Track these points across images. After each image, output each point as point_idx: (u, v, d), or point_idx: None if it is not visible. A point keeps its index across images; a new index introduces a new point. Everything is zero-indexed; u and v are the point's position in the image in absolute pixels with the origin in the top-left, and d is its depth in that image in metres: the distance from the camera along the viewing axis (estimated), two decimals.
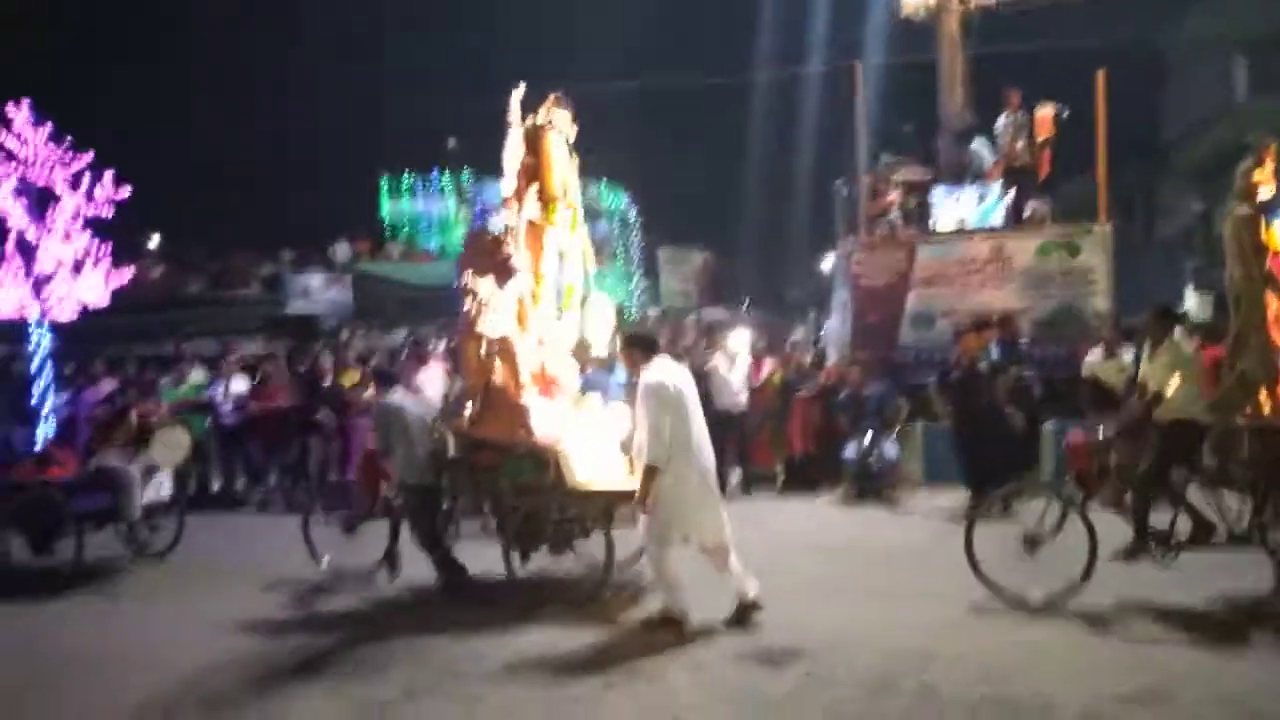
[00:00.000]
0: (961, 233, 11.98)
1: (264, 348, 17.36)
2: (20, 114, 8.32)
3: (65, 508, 7.71)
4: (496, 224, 7.32)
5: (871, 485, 10.04)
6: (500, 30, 25.95)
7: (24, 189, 8.39)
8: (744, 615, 5.85)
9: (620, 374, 10.39)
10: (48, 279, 8.51)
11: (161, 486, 8.31)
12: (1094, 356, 9.97)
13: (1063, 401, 9.70)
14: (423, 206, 26.27)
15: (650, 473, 5.73)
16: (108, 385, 11.59)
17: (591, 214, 29.68)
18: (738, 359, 10.79)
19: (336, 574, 7.45)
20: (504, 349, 6.82)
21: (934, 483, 10.07)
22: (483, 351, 6.82)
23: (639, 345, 6.17)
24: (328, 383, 11.36)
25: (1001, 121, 12.56)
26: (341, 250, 24.82)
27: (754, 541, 7.42)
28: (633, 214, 29.10)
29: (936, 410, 9.95)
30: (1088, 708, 4.48)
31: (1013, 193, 12.17)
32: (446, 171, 25.55)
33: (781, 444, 11.06)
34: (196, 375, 11.92)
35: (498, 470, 6.73)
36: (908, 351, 11.73)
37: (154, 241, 26.28)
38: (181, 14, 28.59)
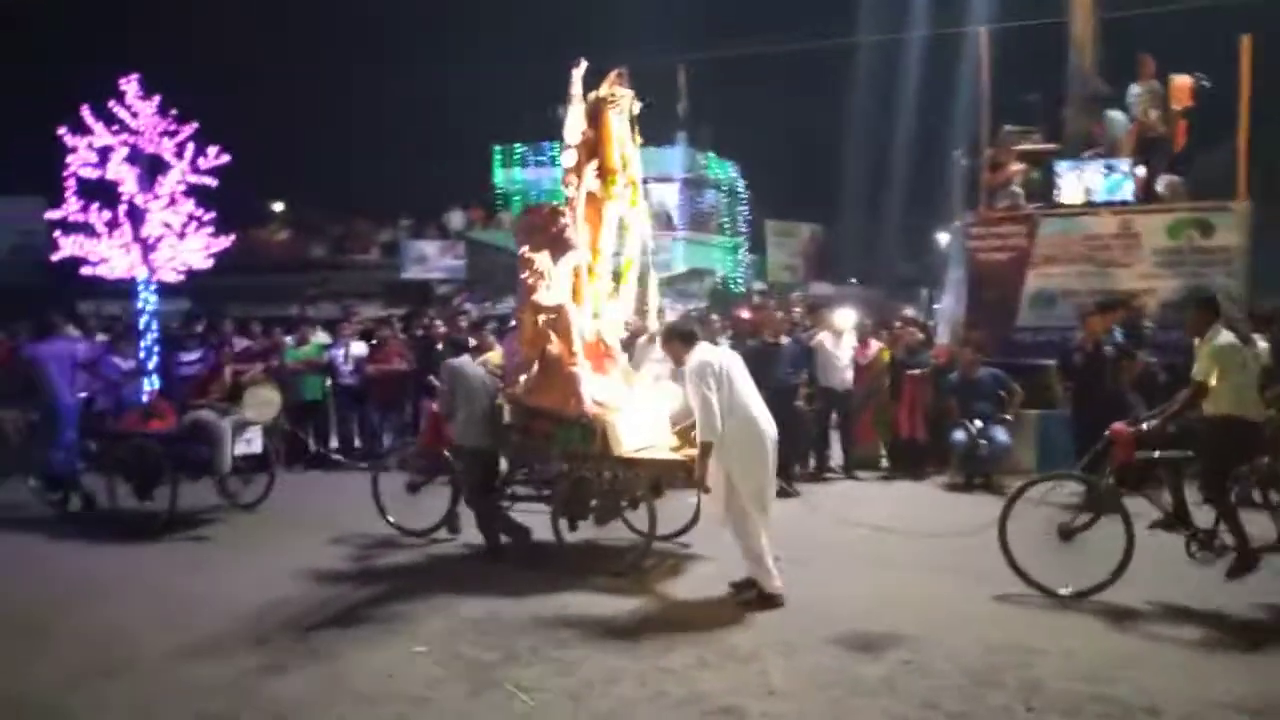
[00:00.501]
0: (1087, 208, 11.44)
1: (382, 311, 18.03)
2: (131, 87, 8.70)
3: (162, 458, 8.29)
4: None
5: (980, 471, 9.78)
6: (613, 3, 25.86)
7: (134, 157, 8.79)
8: (769, 601, 5.90)
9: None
10: (155, 243, 8.85)
11: (252, 441, 8.79)
12: None
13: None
14: (533, 175, 26.61)
15: (705, 449, 5.87)
16: (237, 345, 12.23)
17: (699, 184, 29.63)
18: (844, 336, 10.62)
19: (402, 531, 7.83)
20: (559, 320, 6.92)
21: (1048, 472, 9.70)
22: (539, 322, 6.94)
23: (679, 337, 6.29)
24: (441, 348, 11.68)
25: (1134, 90, 11.90)
26: (455, 218, 25.43)
27: (855, 525, 7.38)
28: (741, 185, 28.78)
29: (1056, 394, 9.58)
30: (1196, 714, 4.30)
31: (1143, 166, 11.55)
32: (557, 141, 25.78)
33: (887, 425, 10.86)
34: (320, 337, 12.46)
35: (550, 438, 6.90)
36: (1025, 332, 11.32)
37: (279, 207, 27.50)
38: None
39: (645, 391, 7.32)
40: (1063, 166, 11.71)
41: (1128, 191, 11.40)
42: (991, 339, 10.95)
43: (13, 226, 24.47)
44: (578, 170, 7.18)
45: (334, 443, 12.07)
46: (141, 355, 9.37)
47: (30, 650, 5.39)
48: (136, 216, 8.86)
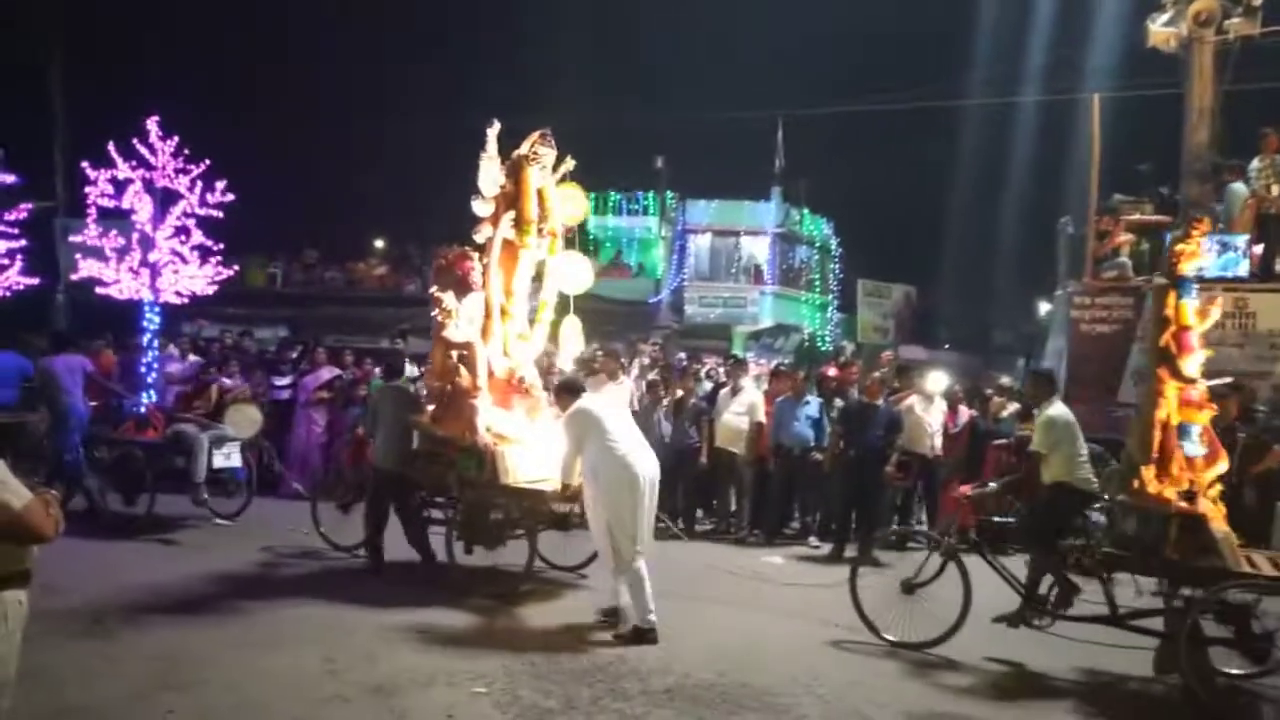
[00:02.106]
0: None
1: None
2: (152, 126, 9.71)
3: (146, 466, 8.95)
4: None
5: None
6: (714, 55, 26.20)
7: (150, 189, 9.65)
8: (638, 636, 6.19)
9: (812, 406, 10.16)
10: (160, 268, 9.77)
11: (230, 455, 9.33)
12: None
13: None
14: (627, 223, 26.84)
15: (563, 488, 6.77)
16: (327, 373, 12.49)
17: (791, 240, 29.37)
18: (934, 401, 10.29)
19: (331, 545, 8.34)
20: (467, 355, 7.52)
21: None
22: (448, 356, 7.57)
23: (566, 390, 6.87)
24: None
25: (1255, 165, 11.38)
26: None
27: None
28: (834, 243, 28.53)
29: None
30: None
31: (1260, 244, 10.99)
32: (651, 191, 26.03)
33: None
34: (408, 370, 12.63)
35: (451, 465, 7.43)
36: (1127, 409, 10.77)
37: (379, 242, 28.32)
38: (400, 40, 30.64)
39: (547, 428, 7.67)
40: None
41: (1242, 269, 10.86)
42: (1091, 413, 10.44)
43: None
44: (494, 220, 7.76)
45: None
46: (143, 369, 10.06)
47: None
48: (147, 244, 9.63)
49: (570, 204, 8.30)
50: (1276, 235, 11.13)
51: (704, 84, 28.29)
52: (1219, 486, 6.13)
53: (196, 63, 27.19)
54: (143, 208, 9.54)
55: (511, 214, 7.79)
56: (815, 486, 10.17)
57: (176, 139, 9.78)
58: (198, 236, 9.89)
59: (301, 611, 6.62)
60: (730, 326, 25.19)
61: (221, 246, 10.15)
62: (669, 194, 25.73)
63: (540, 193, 7.95)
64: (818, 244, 27.88)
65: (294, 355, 13.76)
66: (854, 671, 5.82)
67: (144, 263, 9.59)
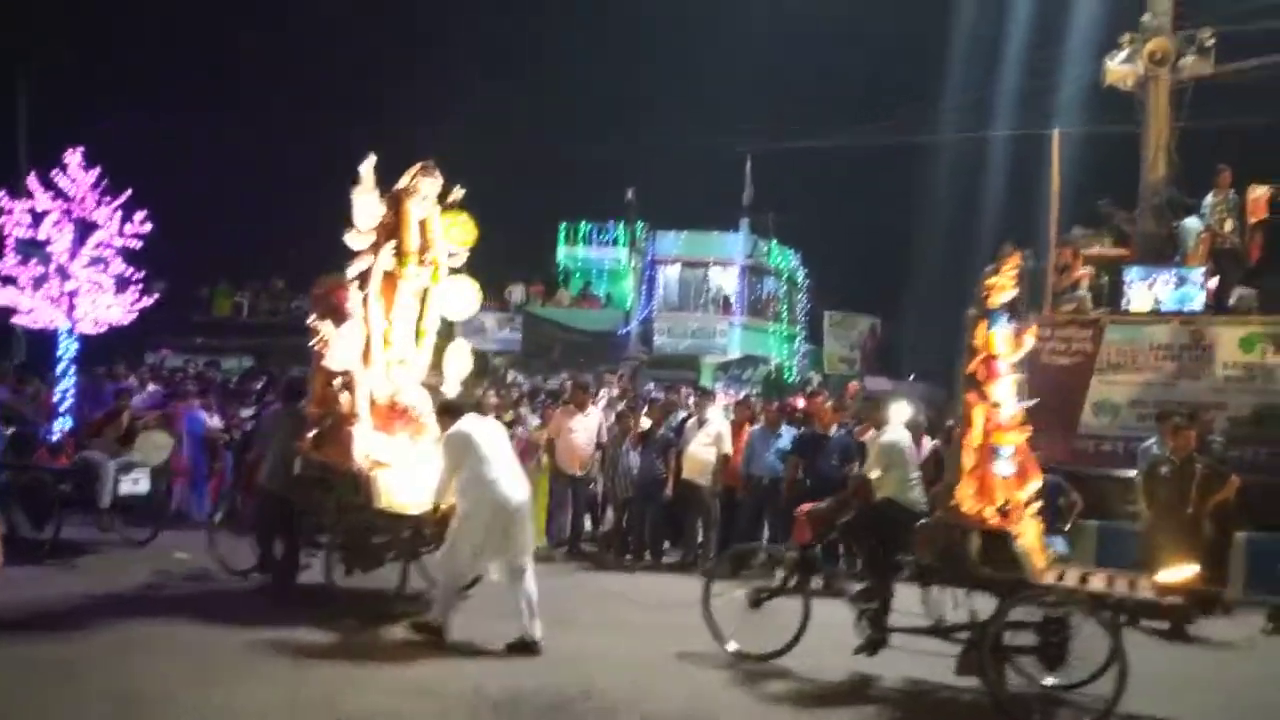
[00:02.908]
0: (1156, 315, 11.14)
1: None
2: (74, 158, 9.92)
3: (53, 492, 8.94)
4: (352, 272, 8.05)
5: None
6: (684, 88, 26.49)
7: (69, 220, 9.88)
8: (521, 648, 6.47)
9: (785, 438, 10.19)
10: (77, 298, 9.99)
11: (139, 482, 9.40)
12: None
13: (1260, 511, 8.76)
14: (596, 254, 26.92)
15: (435, 508, 7.02)
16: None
17: (759, 271, 29.52)
18: None
19: (225, 569, 8.37)
20: (347, 382, 7.68)
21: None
22: (328, 384, 7.72)
23: (448, 412, 7.21)
24: (491, 417, 11.68)
25: (1209, 200, 11.68)
26: (516, 292, 25.71)
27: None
28: (801, 275, 28.79)
29: (1140, 508, 9.07)
30: None
31: (1215, 278, 11.24)
32: (622, 222, 26.17)
33: None
34: None
35: (331, 489, 7.56)
36: (1086, 440, 10.94)
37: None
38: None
39: (429, 452, 7.77)
40: (1132, 274, 11.45)
41: (1198, 303, 11.09)
42: (1051, 444, 10.56)
43: None
44: (374, 250, 7.93)
45: None
46: (57, 398, 10.13)
47: None
48: (65, 274, 9.84)
49: (458, 230, 8.52)
50: (1230, 270, 11.39)
51: (674, 116, 28.57)
52: (1038, 504, 6.46)
53: (166, 89, 27.06)
54: (60, 238, 9.70)
55: (392, 244, 7.97)
56: (784, 517, 10.18)
57: (99, 169, 10.00)
58: (118, 265, 10.11)
59: (245, 639, 6.49)
60: (699, 357, 25.29)
61: (142, 275, 10.35)
62: (639, 225, 25.86)
63: (423, 223, 8.14)
64: (785, 275, 28.13)
65: (258, 386, 13.64)
66: (820, 701, 5.82)
67: (61, 293, 9.77)
